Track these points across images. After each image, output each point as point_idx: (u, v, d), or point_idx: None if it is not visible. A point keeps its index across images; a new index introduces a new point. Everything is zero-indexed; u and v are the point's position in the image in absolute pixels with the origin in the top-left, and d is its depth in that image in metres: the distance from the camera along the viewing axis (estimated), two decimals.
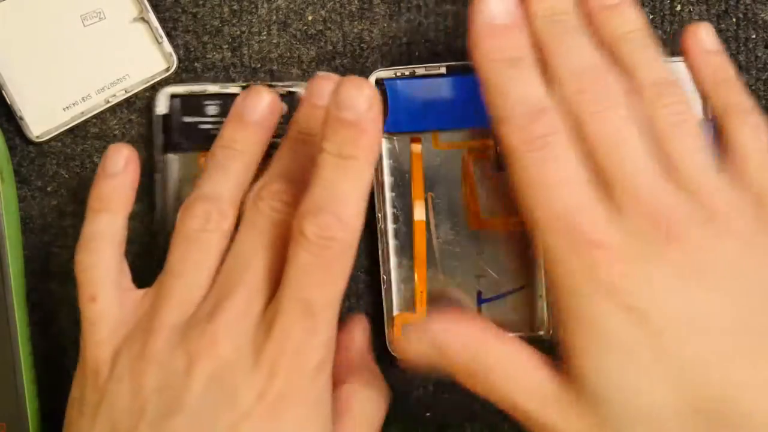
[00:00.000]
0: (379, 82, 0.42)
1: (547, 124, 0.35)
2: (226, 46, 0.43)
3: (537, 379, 0.35)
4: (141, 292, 0.38)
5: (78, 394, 0.37)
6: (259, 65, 0.43)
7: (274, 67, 0.43)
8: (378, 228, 0.42)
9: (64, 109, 0.43)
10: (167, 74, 0.43)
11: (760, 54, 0.43)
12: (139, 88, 0.43)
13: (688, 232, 0.34)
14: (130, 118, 0.43)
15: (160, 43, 0.43)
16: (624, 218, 0.34)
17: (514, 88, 0.35)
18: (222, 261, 0.37)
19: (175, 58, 0.43)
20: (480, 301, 0.42)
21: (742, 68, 0.43)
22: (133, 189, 0.39)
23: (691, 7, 0.43)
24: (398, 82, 0.42)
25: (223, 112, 0.42)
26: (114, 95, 0.43)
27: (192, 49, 0.43)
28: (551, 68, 0.36)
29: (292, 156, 0.39)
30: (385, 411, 0.40)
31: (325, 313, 0.35)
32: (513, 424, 0.43)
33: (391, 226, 0.42)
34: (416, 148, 0.42)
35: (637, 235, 0.34)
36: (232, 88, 0.42)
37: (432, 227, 0.42)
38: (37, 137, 0.42)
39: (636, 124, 0.35)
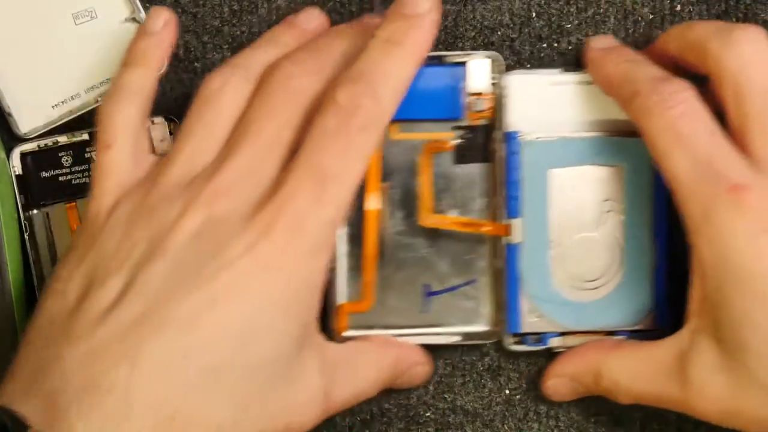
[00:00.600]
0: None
1: (676, 83, 0.37)
2: (226, 46, 0.43)
3: (668, 358, 0.37)
4: (157, 157, 0.39)
5: (73, 241, 0.37)
6: None
7: None
8: None
9: (53, 106, 0.42)
10: (158, 74, 0.43)
11: None
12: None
13: None
14: None
15: None
16: (762, 164, 0.36)
17: (639, 71, 0.38)
18: None
19: (166, 60, 0.43)
20: (428, 293, 0.42)
21: None
22: (168, 48, 0.40)
23: (691, 7, 0.43)
24: None
25: (77, 161, 0.42)
26: (103, 94, 0.42)
27: (192, 49, 0.43)
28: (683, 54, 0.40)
29: (346, 43, 0.39)
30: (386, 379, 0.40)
31: (336, 188, 0.35)
32: (513, 425, 0.43)
33: None
34: None
35: None
36: (82, 136, 0.42)
37: (385, 218, 0.42)
38: (25, 134, 0.42)
39: None
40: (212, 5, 0.43)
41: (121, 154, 0.38)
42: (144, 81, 0.39)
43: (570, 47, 0.43)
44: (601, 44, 0.42)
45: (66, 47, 0.42)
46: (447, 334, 0.42)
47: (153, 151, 0.41)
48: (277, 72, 0.38)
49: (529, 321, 0.42)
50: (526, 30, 0.44)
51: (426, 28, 0.38)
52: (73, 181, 0.43)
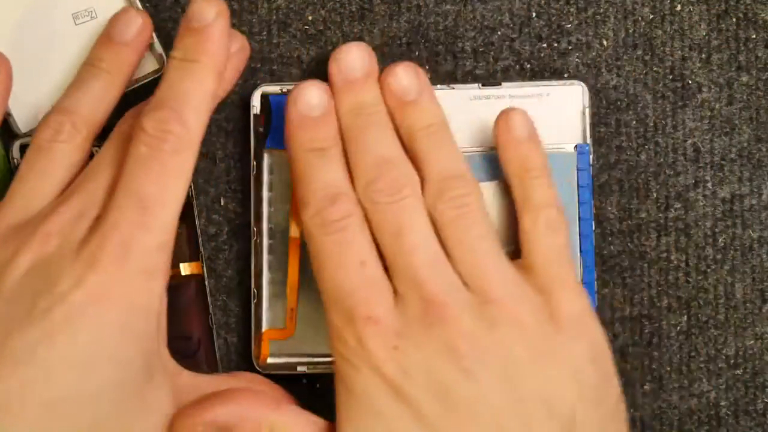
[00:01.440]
0: (264, 97, 0.42)
1: (342, 209, 0.37)
2: None
3: None
4: None
5: None
6: (259, 65, 0.43)
7: (274, 67, 0.43)
8: (253, 242, 0.42)
9: (53, 106, 0.42)
10: (157, 75, 0.43)
11: (760, 54, 0.43)
12: (129, 88, 0.43)
13: (460, 316, 0.36)
14: None
15: (151, 44, 0.42)
16: (403, 300, 0.36)
17: (317, 174, 0.38)
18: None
19: (165, 59, 0.43)
20: None
21: (742, 68, 0.43)
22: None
23: (691, 7, 0.43)
24: (283, 98, 0.42)
25: None
26: None
27: None
28: (352, 160, 0.38)
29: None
30: None
31: (159, 211, 0.36)
32: None
33: (266, 241, 0.42)
34: None
35: (412, 315, 0.36)
36: None
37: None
38: (25, 134, 0.42)
39: (422, 215, 0.37)
40: None
41: None
42: None
43: (570, 47, 0.43)
44: (304, 103, 0.39)
45: (66, 47, 0.42)
46: None
47: None
48: (122, 121, 0.39)
49: None
50: (526, 30, 0.44)
51: (216, 38, 0.38)
52: None
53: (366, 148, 0.38)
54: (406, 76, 0.39)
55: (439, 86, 0.42)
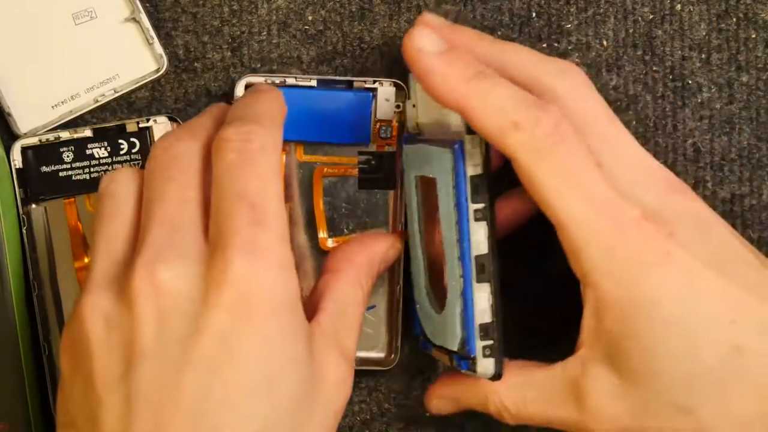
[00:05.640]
0: (249, 87, 0.42)
1: (555, 111, 0.35)
2: (226, 46, 0.43)
3: (559, 380, 0.37)
4: None
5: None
6: (259, 65, 0.43)
7: (274, 67, 0.43)
8: None
9: (52, 106, 0.43)
10: (157, 75, 0.43)
11: (760, 54, 0.43)
12: (129, 89, 0.43)
13: (686, 188, 0.37)
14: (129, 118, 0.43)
15: (151, 44, 0.43)
16: (638, 187, 0.36)
17: (504, 93, 0.35)
18: None
19: (165, 59, 0.43)
20: None
21: (742, 68, 0.43)
22: None
23: (691, 7, 0.43)
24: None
25: (79, 157, 0.42)
26: (103, 95, 0.43)
27: (192, 49, 0.43)
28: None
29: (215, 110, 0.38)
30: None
31: (268, 205, 0.33)
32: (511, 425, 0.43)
33: None
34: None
35: (658, 198, 0.36)
36: (84, 132, 0.42)
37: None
38: (25, 134, 0.42)
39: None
40: (212, 5, 0.43)
41: None
42: None
43: (570, 47, 0.43)
44: (430, 42, 0.36)
45: (65, 47, 0.42)
46: None
47: None
48: (155, 150, 0.36)
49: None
50: (526, 30, 0.44)
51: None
52: (73, 177, 0.43)
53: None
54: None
55: None
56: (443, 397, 0.40)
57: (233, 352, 0.32)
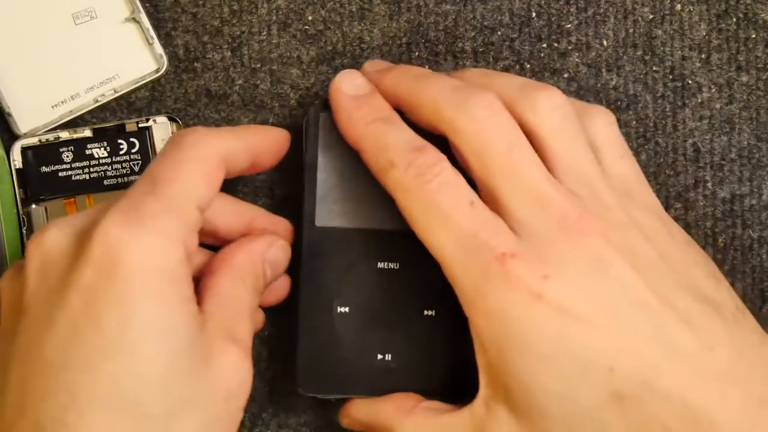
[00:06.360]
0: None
1: (433, 153, 0.36)
2: (226, 46, 0.43)
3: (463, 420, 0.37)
4: None
5: None
6: (259, 65, 0.43)
7: (274, 67, 0.43)
8: None
9: (52, 106, 0.43)
10: (157, 75, 0.43)
11: (759, 54, 0.44)
12: (129, 89, 0.43)
13: (593, 225, 0.35)
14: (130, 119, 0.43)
15: (150, 44, 0.43)
16: (526, 226, 0.35)
17: (393, 136, 0.37)
18: None
19: (165, 59, 0.43)
20: None
21: (742, 68, 0.43)
22: None
23: (691, 7, 0.43)
24: None
25: (78, 157, 0.42)
26: (103, 95, 0.43)
27: (192, 49, 0.43)
28: (418, 113, 0.38)
29: None
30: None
31: (171, 184, 0.34)
32: None
33: None
34: None
35: (547, 238, 0.35)
36: (84, 132, 0.42)
37: None
38: (25, 134, 0.42)
39: (518, 133, 0.36)
40: (212, 5, 0.43)
41: None
42: None
43: (570, 47, 0.43)
44: (349, 85, 0.39)
45: (65, 47, 0.42)
46: None
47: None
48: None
49: None
50: (526, 30, 0.44)
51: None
52: (73, 177, 0.43)
53: (432, 92, 0.38)
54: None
55: None
56: (354, 419, 0.40)
57: (93, 310, 0.32)
